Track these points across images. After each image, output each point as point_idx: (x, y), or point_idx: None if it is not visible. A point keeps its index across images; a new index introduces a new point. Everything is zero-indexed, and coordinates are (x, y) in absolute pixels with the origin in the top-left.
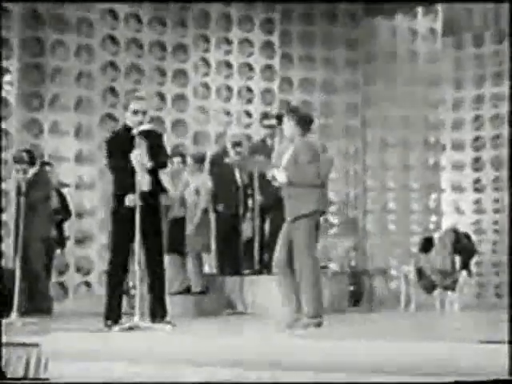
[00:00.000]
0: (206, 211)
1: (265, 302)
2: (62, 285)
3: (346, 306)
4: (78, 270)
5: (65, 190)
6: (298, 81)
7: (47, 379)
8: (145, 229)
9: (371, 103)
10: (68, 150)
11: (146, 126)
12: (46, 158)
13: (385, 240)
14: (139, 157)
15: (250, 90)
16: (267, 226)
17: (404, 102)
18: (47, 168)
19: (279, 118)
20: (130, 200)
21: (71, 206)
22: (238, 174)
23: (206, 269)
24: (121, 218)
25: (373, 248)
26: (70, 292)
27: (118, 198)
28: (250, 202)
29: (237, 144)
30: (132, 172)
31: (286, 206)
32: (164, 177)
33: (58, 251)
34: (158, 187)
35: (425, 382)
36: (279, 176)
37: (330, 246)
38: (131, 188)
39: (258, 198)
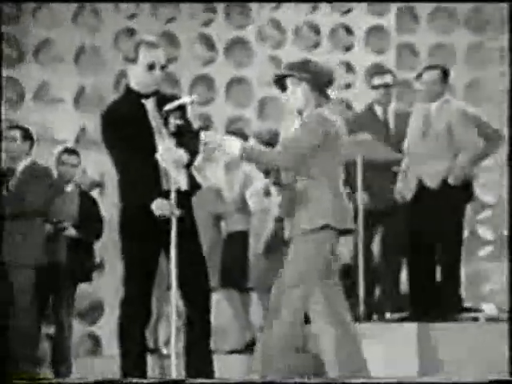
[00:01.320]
0: (281, 221)
1: (380, 365)
2: (50, 338)
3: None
4: (80, 316)
5: (94, 193)
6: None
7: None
8: (180, 251)
9: None
10: (64, 128)
11: (186, 99)
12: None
13: None
14: (171, 150)
15: (348, 29)
16: (377, 244)
17: None
18: (66, 157)
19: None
20: (162, 207)
21: (103, 217)
22: None
23: None
24: (140, 236)
25: None
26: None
27: (134, 205)
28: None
29: None
30: (154, 164)
31: (285, 216)
32: (218, 171)
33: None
34: (194, 186)
35: (425, 382)
36: (232, 144)
37: (481, 274)
38: (155, 189)
39: (363, 199)
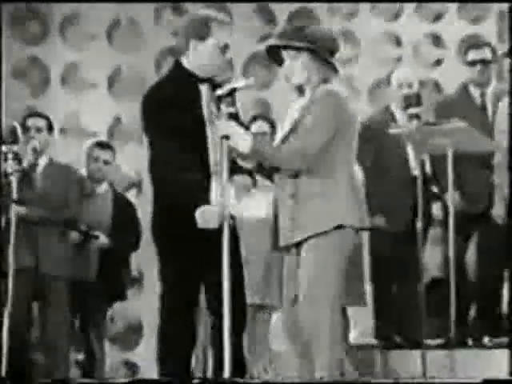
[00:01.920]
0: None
1: None
2: (81, 366)
3: None
4: (114, 340)
5: (130, 196)
6: None
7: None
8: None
9: None
10: (95, 118)
11: (240, 82)
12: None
13: None
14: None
15: None
16: (472, 254)
17: None
18: (98, 152)
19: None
20: (210, 216)
21: (141, 223)
22: (412, 156)
23: (352, 335)
24: (184, 250)
25: None
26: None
27: (174, 210)
28: (435, 208)
29: (410, 100)
30: (205, 164)
31: (285, 215)
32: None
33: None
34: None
35: (426, 382)
36: (240, 142)
37: None
38: (204, 195)
39: (454, 199)
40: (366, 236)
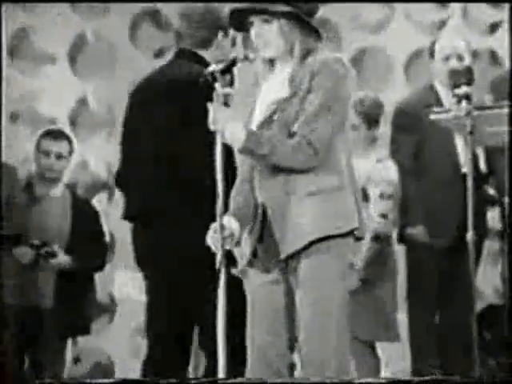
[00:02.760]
0: (377, 239)
1: None
2: None
3: None
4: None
5: (96, 204)
6: None
7: None
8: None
9: None
10: (54, 100)
11: (238, 54)
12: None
13: None
14: None
15: None
16: None
17: None
18: (48, 144)
19: None
20: (213, 239)
21: (108, 235)
22: (461, 149)
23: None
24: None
25: None
26: None
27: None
28: (490, 215)
29: (459, 76)
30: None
31: (273, 222)
32: None
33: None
34: None
35: (422, 382)
36: (231, 135)
37: None
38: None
39: None
40: (401, 251)
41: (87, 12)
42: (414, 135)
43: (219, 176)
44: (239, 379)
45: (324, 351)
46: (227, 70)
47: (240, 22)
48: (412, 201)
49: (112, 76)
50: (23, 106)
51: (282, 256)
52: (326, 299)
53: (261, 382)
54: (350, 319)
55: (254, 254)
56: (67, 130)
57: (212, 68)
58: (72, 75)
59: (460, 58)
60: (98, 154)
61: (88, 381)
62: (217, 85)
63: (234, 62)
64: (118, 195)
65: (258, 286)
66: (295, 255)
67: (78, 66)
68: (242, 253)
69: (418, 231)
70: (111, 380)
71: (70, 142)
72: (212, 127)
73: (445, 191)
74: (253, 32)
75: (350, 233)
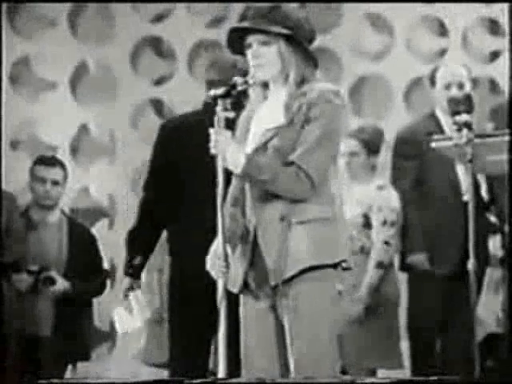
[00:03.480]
0: (381, 265)
1: None
2: None
3: None
4: None
5: (96, 230)
6: None
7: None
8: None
9: None
10: (55, 127)
11: (238, 79)
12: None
13: None
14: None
15: None
16: None
17: None
18: (42, 170)
19: None
20: (214, 263)
21: (106, 265)
22: (462, 176)
23: None
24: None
25: None
26: None
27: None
28: (492, 242)
29: (458, 104)
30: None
31: (263, 247)
32: None
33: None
34: None
35: (420, 381)
36: (231, 159)
37: None
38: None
39: None
40: (403, 280)
41: (88, 39)
42: (416, 162)
43: (219, 200)
44: (239, 379)
45: (316, 376)
46: (227, 94)
47: (239, 43)
48: (413, 228)
49: (113, 103)
50: (24, 133)
51: (273, 283)
52: (315, 326)
53: (261, 382)
54: (352, 346)
55: (245, 283)
56: (68, 156)
57: (213, 92)
58: (73, 102)
59: (461, 85)
60: (99, 181)
61: (88, 381)
62: (218, 108)
63: (234, 86)
64: (119, 222)
65: (249, 312)
66: (285, 282)
67: (80, 93)
68: (233, 277)
69: (419, 259)
70: (111, 380)
71: (63, 167)
72: (213, 151)
73: (446, 219)
74: (249, 53)
75: (339, 263)
